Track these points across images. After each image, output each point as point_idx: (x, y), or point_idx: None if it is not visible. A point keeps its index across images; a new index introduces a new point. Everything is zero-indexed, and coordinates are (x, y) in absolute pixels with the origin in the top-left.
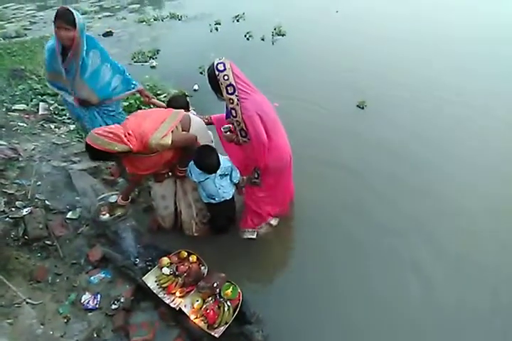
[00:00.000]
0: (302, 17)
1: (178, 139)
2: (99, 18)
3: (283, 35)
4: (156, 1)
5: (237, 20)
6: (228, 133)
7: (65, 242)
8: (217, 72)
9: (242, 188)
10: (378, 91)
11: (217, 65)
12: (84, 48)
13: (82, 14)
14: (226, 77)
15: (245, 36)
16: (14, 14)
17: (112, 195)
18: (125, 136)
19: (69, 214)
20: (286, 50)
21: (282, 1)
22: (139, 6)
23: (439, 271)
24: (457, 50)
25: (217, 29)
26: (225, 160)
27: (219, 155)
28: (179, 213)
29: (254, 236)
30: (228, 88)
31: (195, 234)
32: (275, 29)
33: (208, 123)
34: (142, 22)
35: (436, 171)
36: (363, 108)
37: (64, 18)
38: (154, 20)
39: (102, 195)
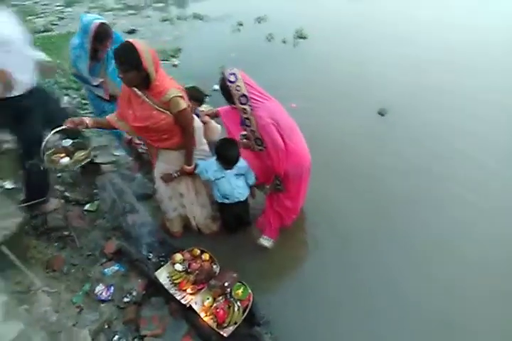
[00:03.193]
0: (325, 20)
1: (187, 113)
2: (124, 15)
3: (304, 38)
4: (180, 1)
5: (259, 22)
6: (245, 140)
7: (82, 233)
8: (229, 84)
9: (266, 194)
10: (400, 99)
11: (228, 76)
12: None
13: (108, 11)
14: (238, 88)
15: (267, 38)
16: (43, 10)
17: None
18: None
19: (87, 206)
20: (307, 53)
21: (305, 5)
22: (163, 5)
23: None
24: (489, 68)
25: (239, 30)
26: (242, 160)
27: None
28: (192, 213)
29: (269, 246)
30: (241, 98)
31: (209, 232)
32: (297, 32)
33: (214, 116)
34: (166, 21)
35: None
36: (383, 115)
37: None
38: (178, 19)
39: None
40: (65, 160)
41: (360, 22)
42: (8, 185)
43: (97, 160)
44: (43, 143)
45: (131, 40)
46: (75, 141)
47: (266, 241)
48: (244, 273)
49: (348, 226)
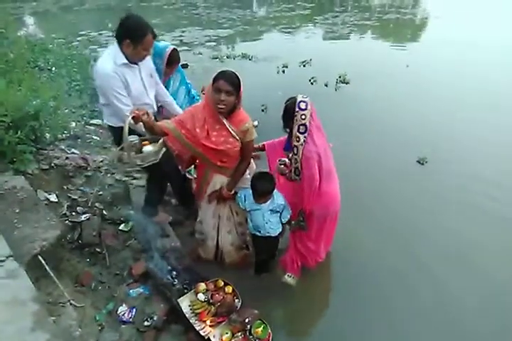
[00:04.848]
0: (369, 68)
1: (253, 144)
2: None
3: (347, 83)
4: (231, 41)
5: (304, 65)
6: (282, 166)
7: (113, 252)
8: (297, 109)
9: (290, 229)
10: (441, 149)
11: (300, 102)
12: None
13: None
14: (303, 117)
15: (310, 81)
16: (106, 40)
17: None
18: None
19: (121, 226)
20: (348, 97)
21: (350, 51)
22: (214, 44)
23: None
24: None
25: (284, 71)
26: (280, 198)
27: (274, 193)
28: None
29: (294, 284)
30: (301, 127)
31: (229, 261)
32: (340, 77)
33: (259, 149)
34: (216, 58)
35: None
36: (423, 164)
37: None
38: (227, 57)
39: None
40: (148, 148)
41: (406, 74)
42: (53, 198)
43: (138, 183)
44: (126, 141)
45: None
46: (142, 137)
47: (290, 279)
48: (265, 311)
49: (376, 268)
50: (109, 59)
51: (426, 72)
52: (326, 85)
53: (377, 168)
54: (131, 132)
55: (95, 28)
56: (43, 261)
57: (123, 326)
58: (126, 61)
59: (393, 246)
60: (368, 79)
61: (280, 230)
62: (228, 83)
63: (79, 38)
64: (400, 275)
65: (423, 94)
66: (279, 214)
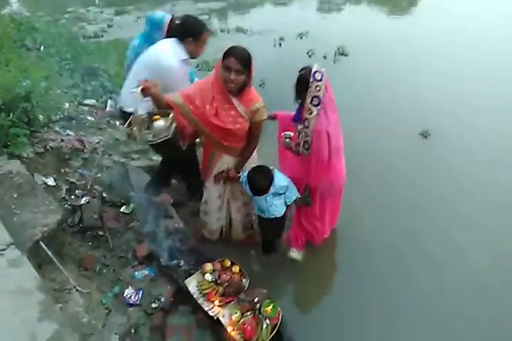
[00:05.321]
0: (367, 39)
1: (261, 125)
2: None
3: (346, 55)
4: (223, 14)
5: (301, 38)
6: (288, 140)
7: (116, 235)
8: (311, 79)
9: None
10: (443, 121)
11: (315, 72)
12: None
13: None
14: (318, 88)
15: (307, 53)
16: (94, 17)
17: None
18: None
19: (122, 208)
20: (347, 70)
21: (346, 22)
22: (207, 17)
23: None
24: None
25: (280, 44)
26: (281, 179)
27: (275, 175)
28: (228, 218)
29: (300, 259)
30: (314, 99)
31: (237, 239)
32: (338, 49)
33: (270, 118)
34: None
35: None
36: (426, 137)
37: None
38: (221, 31)
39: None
40: (160, 122)
41: (402, 39)
42: (50, 182)
43: (136, 164)
44: (135, 114)
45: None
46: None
47: (296, 254)
48: (272, 288)
49: (377, 246)
50: (173, 55)
51: (424, 43)
52: (325, 58)
53: (378, 141)
54: None
55: (83, 5)
56: (45, 247)
57: (130, 309)
58: (187, 57)
59: (392, 223)
60: (366, 51)
61: (285, 209)
62: (238, 61)
63: (66, 15)
64: (397, 254)
65: (421, 67)
66: (282, 195)
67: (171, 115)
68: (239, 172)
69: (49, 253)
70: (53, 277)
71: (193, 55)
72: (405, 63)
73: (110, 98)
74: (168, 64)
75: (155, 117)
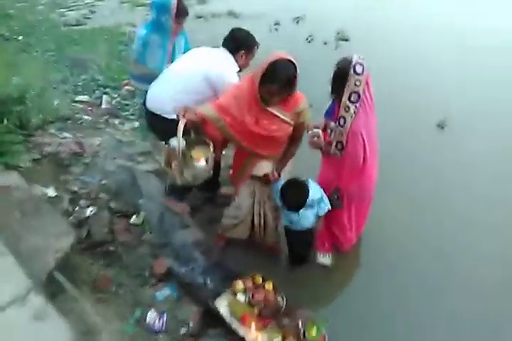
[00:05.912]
0: (367, 21)
1: (304, 126)
2: None
3: (346, 40)
4: None
5: (297, 22)
6: (316, 138)
7: (128, 249)
8: (351, 72)
9: None
10: (460, 110)
11: (356, 64)
12: None
13: (140, 6)
14: (358, 83)
15: (307, 39)
16: (74, 2)
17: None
18: None
19: (133, 219)
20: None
21: (343, 4)
22: (196, 1)
23: None
24: None
25: (276, 30)
26: (316, 192)
27: (310, 189)
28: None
29: (329, 264)
30: (353, 95)
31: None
32: (338, 33)
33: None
34: (200, 17)
35: None
36: (443, 128)
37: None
38: (212, 16)
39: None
40: (202, 163)
41: (406, 27)
42: (51, 192)
43: (144, 168)
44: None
45: (286, 56)
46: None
47: (324, 259)
48: (310, 304)
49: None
50: (233, 70)
51: (431, 19)
52: (326, 43)
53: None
54: None
55: None
56: (61, 278)
57: (155, 336)
58: (238, 69)
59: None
60: (367, 35)
61: (315, 221)
62: (282, 86)
63: (43, 1)
64: (401, 245)
65: (427, 49)
66: (314, 208)
67: (211, 149)
68: (279, 174)
69: (65, 284)
70: (71, 308)
71: (242, 68)
72: (415, 48)
73: (105, 93)
74: (230, 82)
75: (196, 154)
